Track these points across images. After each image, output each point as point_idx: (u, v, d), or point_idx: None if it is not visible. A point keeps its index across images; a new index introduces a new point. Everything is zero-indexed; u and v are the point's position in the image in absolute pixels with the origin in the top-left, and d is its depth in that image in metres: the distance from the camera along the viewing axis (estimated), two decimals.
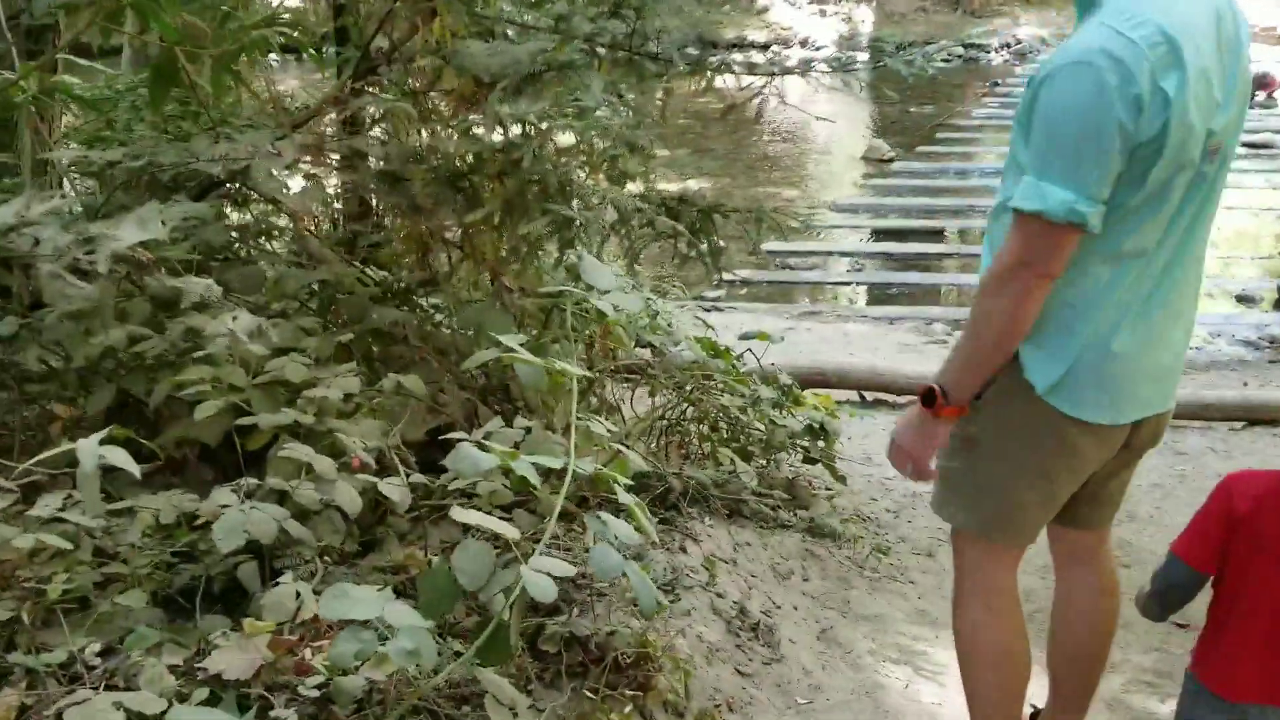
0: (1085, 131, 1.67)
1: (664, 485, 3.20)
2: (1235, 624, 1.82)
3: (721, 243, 3.53)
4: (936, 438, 1.95)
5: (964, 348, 1.88)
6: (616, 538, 1.82)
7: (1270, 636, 1.79)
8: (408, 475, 2.24)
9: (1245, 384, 6.14)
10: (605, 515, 1.87)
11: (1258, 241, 10.28)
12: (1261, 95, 15.20)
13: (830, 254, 9.85)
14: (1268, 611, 1.78)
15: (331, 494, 2.06)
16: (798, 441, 3.92)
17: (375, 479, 2.15)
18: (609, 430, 2.26)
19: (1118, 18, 1.67)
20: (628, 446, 2.40)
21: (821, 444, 3.96)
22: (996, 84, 17.42)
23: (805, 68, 3.63)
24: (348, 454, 2.16)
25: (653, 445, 3.60)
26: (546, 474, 1.89)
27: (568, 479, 1.87)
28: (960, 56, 17.86)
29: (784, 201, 11.40)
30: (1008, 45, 19.18)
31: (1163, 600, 1.87)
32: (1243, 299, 8.79)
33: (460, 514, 1.81)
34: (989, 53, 19.18)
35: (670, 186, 9.99)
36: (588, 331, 3.48)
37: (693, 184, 11.54)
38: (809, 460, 3.98)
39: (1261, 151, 13.30)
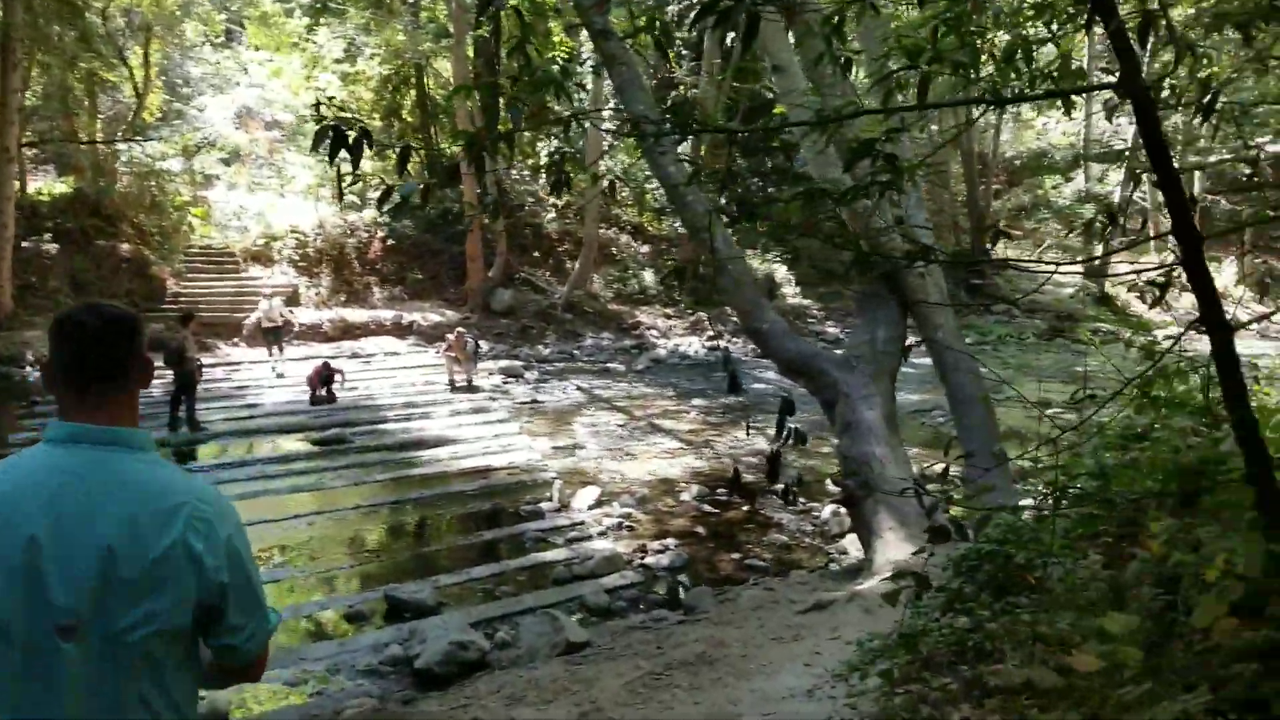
0: None
1: None
2: None
3: None
4: None
5: None
6: None
7: None
8: None
9: None
10: None
11: (355, 545, 9.77)
12: (324, 391, 15.60)
13: None
14: None
15: None
16: None
17: None
18: None
19: None
20: None
21: None
22: (36, 402, 15.01)
23: None
24: None
25: None
26: None
27: None
28: None
29: None
30: (42, 360, 16.87)
31: None
32: (353, 617, 8.00)
33: None
34: (24, 367, 16.67)
35: None
36: None
37: None
38: None
39: (335, 448, 13.34)
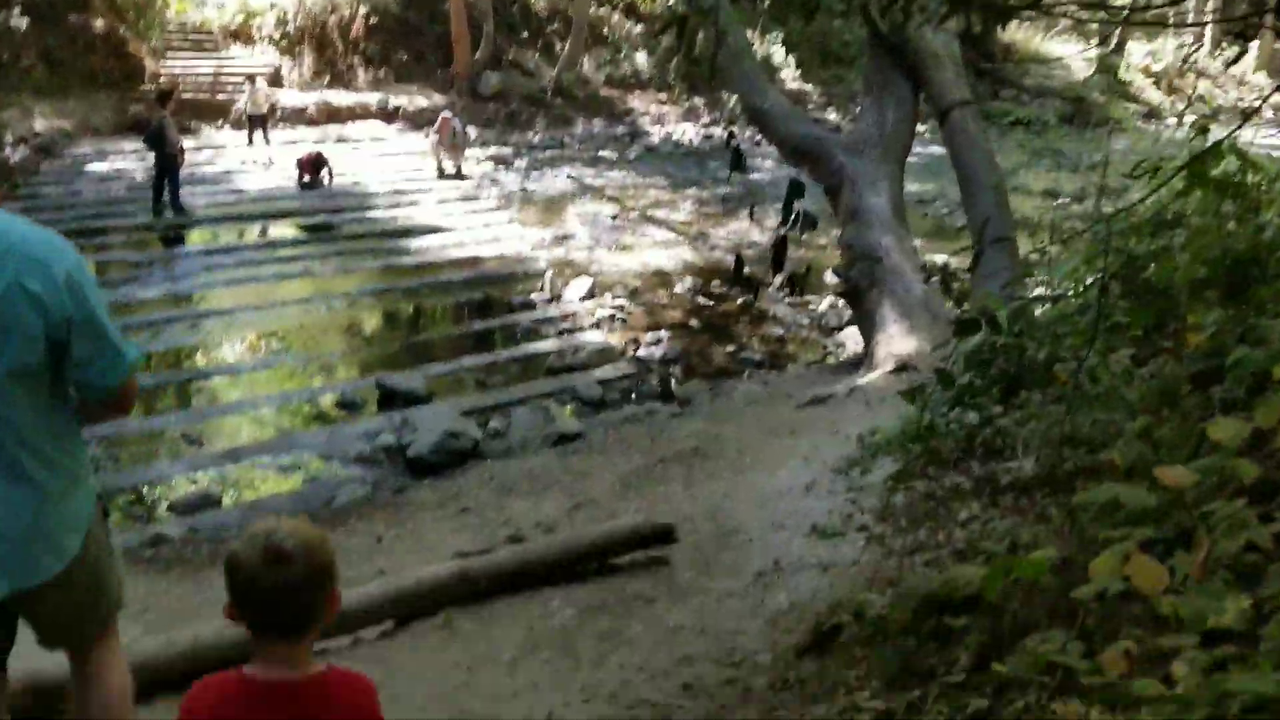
0: None
1: None
2: None
3: None
4: None
5: None
6: None
7: None
8: None
9: (380, 538, 4.99)
10: None
11: (346, 332, 9.62)
12: (312, 178, 15.04)
13: None
14: None
15: None
16: None
17: None
18: None
19: None
20: None
21: None
22: (17, 185, 14.47)
23: None
24: None
25: None
26: None
27: None
28: None
29: None
30: (25, 140, 16.16)
31: None
32: (345, 405, 7.91)
33: None
34: (2, 149, 15.94)
35: None
36: None
37: None
38: None
39: (323, 235, 13.00)
